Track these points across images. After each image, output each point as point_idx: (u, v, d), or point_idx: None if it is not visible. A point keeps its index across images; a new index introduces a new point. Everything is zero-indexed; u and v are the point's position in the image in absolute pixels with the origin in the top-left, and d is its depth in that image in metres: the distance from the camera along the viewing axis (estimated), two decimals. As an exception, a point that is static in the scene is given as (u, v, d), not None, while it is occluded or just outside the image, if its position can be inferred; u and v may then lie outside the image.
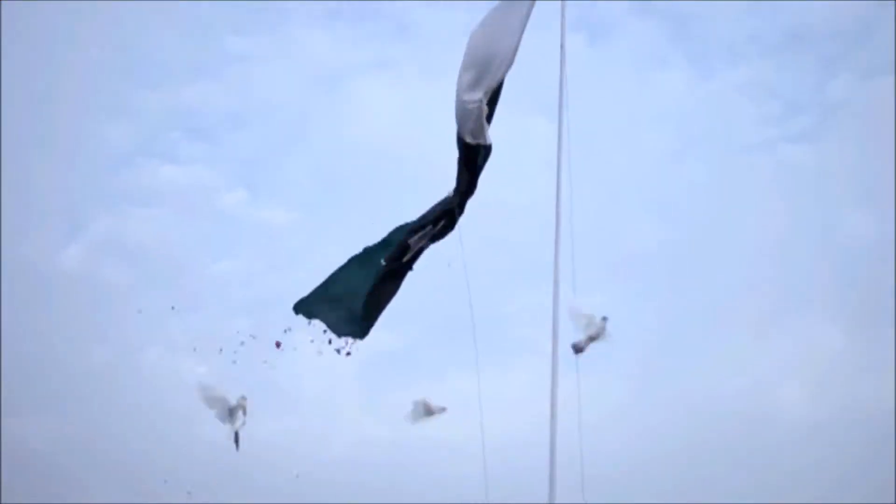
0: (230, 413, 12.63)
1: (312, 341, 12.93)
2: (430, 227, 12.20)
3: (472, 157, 11.81)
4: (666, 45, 30.62)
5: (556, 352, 11.26)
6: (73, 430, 23.08)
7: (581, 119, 27.61)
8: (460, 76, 11.70)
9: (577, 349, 11.87)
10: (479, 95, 11.61)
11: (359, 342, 12.69)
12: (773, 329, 25.94)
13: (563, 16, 12.16)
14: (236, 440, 12.69)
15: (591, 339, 12.03)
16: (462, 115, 11.67)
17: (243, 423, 12.82)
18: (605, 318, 12.38)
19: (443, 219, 12.16)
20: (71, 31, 28.66)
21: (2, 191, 26.47)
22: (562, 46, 12.08)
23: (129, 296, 26.34)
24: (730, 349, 25.15)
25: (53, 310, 25.09)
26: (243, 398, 12.91)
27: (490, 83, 11.66)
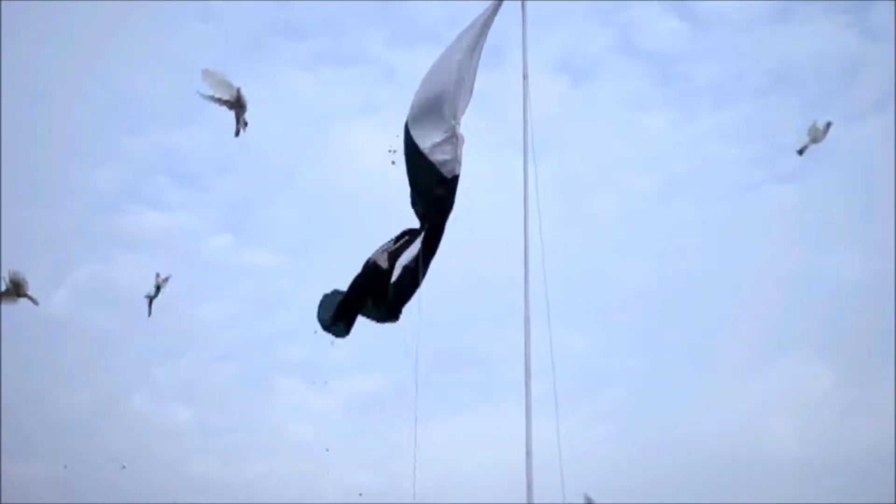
0: None
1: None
2: (389, 242, 12.32)
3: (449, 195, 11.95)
4: (650, 87, 30.76)
5: (530, 391, 11.26)
6: (58, 475, 22.98)
7: (566, 160, 27.78)
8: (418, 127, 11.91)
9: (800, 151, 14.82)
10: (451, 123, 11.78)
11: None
12: (759, 368, 25.99)
13: (524, 43, 12.19)
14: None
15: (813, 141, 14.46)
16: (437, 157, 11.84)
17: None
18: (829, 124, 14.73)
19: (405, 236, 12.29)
20: (55, 76, 28.70)
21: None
22: (524, 77, 12.10)
23: (115, 340, 26.35)
24: (716, 388, 25.20)
25: (39, 354, 25.03)
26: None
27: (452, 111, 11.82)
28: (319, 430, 24.96)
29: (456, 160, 11.87)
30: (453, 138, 11.85)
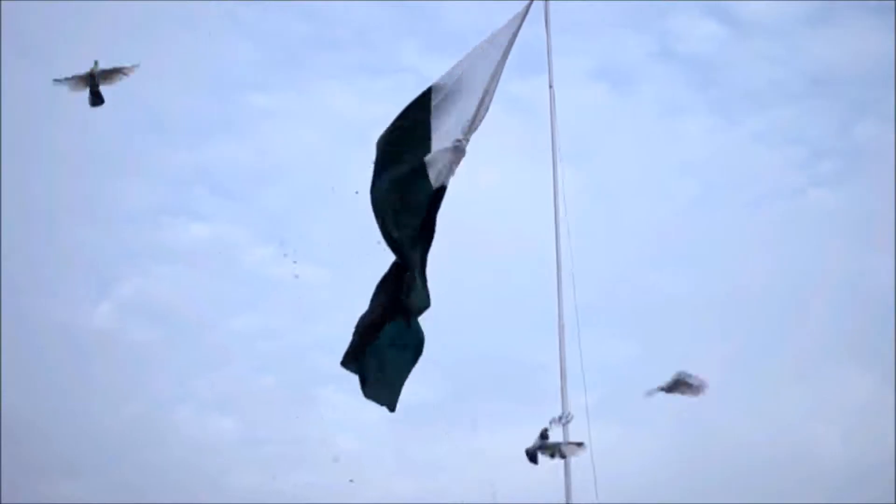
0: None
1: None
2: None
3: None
4: (688, 93, 30.64)
5: (566, 401, 11.19)
6: (104, 489, 23.06)
7: (606, 167, 27.72)
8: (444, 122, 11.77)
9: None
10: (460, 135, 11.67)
11: None
12: (805, 374, 25.80)
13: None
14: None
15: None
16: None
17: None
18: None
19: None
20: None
21: (31, 250, 26.69)
22: (550, 86, 12.02)
23: (158, 353, 26.43)
24: (763, 395, 25.00)
25: (83, 369, 25.15)
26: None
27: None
28: (362, 441, 24.93)
29: (448, 171, 11.73)
30: (455, 151, 11.71)
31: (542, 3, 12.12)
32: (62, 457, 23.07)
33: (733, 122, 30.28)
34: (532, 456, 11.39)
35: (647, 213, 28.72)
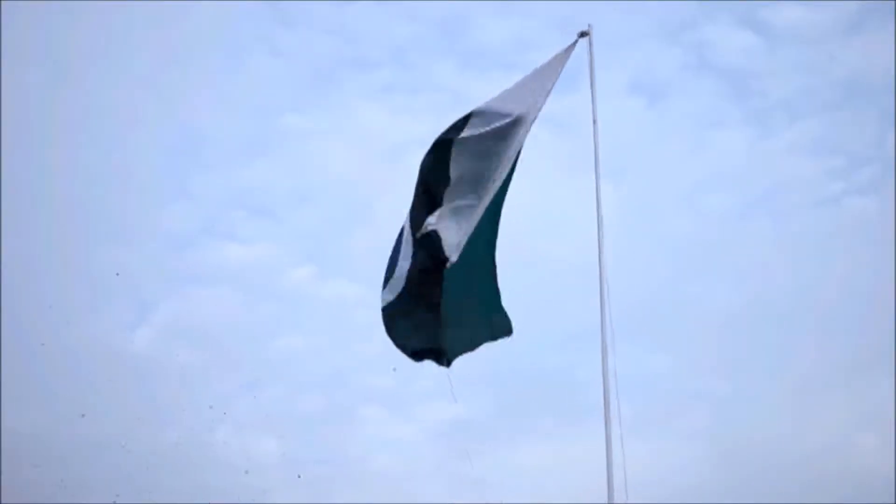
0: None
1: None
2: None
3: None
4: (725, 104, 30.62)
5: (609, 416, 11.18)
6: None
7: (641, 181, 27.74)
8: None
9: None
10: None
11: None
12: (846, 383, 25.71)
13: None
14: None
15: None
16: None
17: None
18: None
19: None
20: (130, 115, 29.02)
21: (70, 274, 26.85)
22: (594, 121, 12.07)
23: (199, 376, 26.52)
24: (803, 406, 24.96)
25: (124, 391, 25.24)
26: None
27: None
28: (405, 459, 24.98)
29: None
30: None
31: (585, 40, 12.17)
32: (102, 480, 23.17)
33: (769, 133, 30.26)
34: None
35: (683, 226, 28.77)
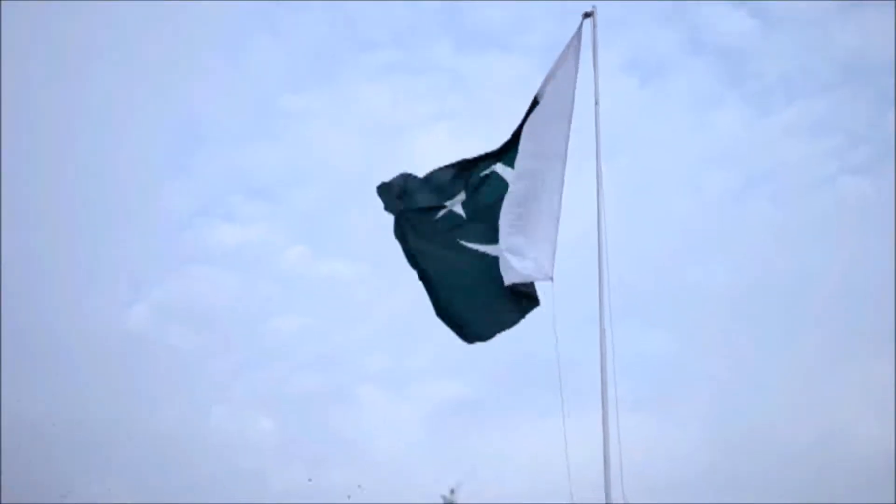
0: None
1: None
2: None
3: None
4: (721, 85, 30.60)
5: (606, 395, 11.18)
6: (145, 491, 23.15)
7: (637, 161, 27.70)
8: None
9: None
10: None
11: None
12: (845, 364, 25.71)
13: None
14: None
15: None
16: None
17: None
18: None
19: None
20: (128, 97, 28.98)
21: (64, 254, 26.86)
22: (596, 102, 12.07)
23: (195, 355, 26.53)
24: (801, 387, 24.95)
25: (121, 372, 25.25)
26: None
27: None
28: (401, 438, 25.00)
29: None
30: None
31: (589, 21, 12.20)
32: (101, 459, 23.18)
33: (766, 113, 30.25)
34: None
35: (680, 206, 28.75)
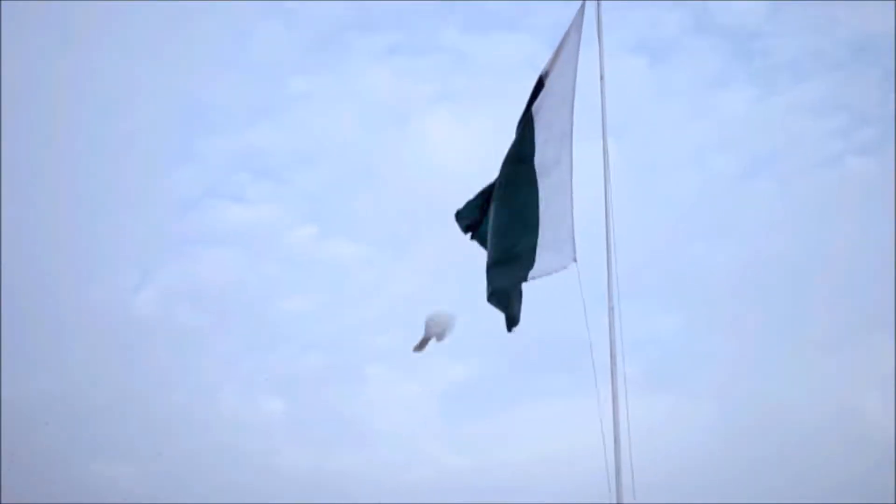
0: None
1: None
2: None
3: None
4: (728, 64, 30.53)
5: (615, 376, 11.21)
6: (156, 472, 23.24)
7: (644, 141, 27.72)
8: None
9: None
10: None
11: None
12: (852, 343, 25.72)
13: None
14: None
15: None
16: None
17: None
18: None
19: None
20: (133, 81, 29.00)
21: (71, 238, 26.91)
22: (601, 77, 12.09)
23: (204, 336, 26.60)
24: (808, 366, 24.97)
25: (129, 354, 25.32)
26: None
27: None
28: (411, 419, 25.06)
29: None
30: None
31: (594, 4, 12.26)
32: (111, 441, 23.27)
33: (773, 93, 30.19)
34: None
35: (686, 186, 28.74)
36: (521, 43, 28.16)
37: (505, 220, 12.20)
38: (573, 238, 11.64)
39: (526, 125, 12.25)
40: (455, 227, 12.73)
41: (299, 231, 29.19)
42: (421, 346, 12.71)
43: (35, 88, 27.56)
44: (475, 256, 12.54)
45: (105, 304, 26.54)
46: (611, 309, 11.37)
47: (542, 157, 12.10)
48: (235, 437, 24.57)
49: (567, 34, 12.16)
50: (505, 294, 12.13)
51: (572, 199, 11.76)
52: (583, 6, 12.20)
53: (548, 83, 12.13)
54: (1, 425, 20.89)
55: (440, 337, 12.50)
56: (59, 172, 27.62)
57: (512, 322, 12.17)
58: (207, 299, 27.66)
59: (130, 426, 23.59)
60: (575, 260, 11.55)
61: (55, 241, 26.83)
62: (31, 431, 22.00)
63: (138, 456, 23.51)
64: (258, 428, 25.08)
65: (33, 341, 24.15)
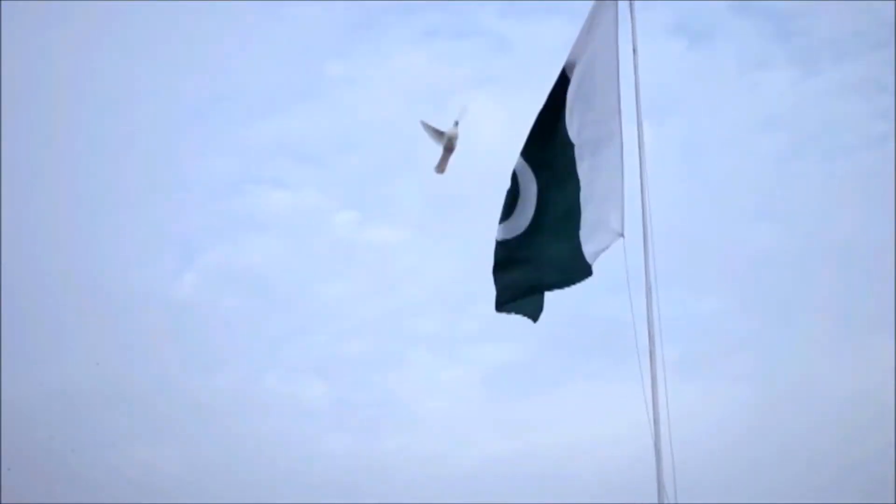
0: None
1: None
2: None
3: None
4: (768, 45, 30.39)
5: (654, 358, 11.16)
6: (198, 457, 23.38)
7: (688, 123, 27.62)
8: None
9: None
10: None
11: None
12: (886, 327, 25.58)
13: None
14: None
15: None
16: None
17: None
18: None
19: None
20: (176, 66, 29.11)
21: (115, 224, 27.06)
22: (634, 50, 12.00)
23: (246, 321, 26.71)
24: (850, 349, 24.87)
25: (172, 339, 25.45)
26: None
27: None
28: (453, 402, 25.11)
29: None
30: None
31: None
32: (153, 426, 23.41)
33: (815, 73, 30.05)
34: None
35: (730, 168, 28.65)
36: (559, 26, 28.16)
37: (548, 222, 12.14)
38: (622, 214, 11.57)
39: (556, 115, 12.14)
40: (494, 210, 12.70)
41: (341, 216, 29.29)
42: (442, 165, 12.86)
43: (79, 75, 27.79)
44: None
45: (150, 289, 26.71)
46: (648, 289, 11.32)
47: (581, 141, 12.00)
48: (278, 422, 24.70)
49: (591, 21, 12.02)
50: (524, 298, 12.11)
51: (622, 176, 11.68)
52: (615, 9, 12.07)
53: (578, 69, 12.00)
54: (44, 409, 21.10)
55: (453, 142, 12.68)
56: (103, 159, 27.78)
57: (536, 316, 12.13)
58: (250, 284, 27.82)
59: (173, 410, 23.73)
60: (622, 235, 11.49)
61: (100, 225, 27.02)
62: (74, 415, 22.19)
63: (180, 440, 23.67)
64: (301, 412, 25.19)
65: (78, 327, 24.33)
